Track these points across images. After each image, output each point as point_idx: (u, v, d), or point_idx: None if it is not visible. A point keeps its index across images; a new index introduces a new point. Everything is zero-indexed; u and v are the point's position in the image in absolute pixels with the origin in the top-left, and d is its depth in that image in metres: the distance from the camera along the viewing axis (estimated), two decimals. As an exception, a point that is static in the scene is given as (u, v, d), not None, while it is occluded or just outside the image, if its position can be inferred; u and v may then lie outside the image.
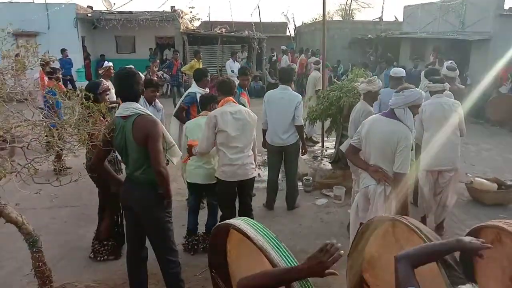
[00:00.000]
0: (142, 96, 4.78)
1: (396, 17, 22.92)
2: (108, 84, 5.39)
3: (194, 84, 5.53)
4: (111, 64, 7.01)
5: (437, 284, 1.79)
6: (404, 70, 6.09)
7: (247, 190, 4.30)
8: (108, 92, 4.29)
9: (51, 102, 3.42)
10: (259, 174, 6.96)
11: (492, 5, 12.20)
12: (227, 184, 4.11)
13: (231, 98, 4.11)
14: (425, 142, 4.71)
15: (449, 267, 1.80)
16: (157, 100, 5.24)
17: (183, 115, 5.35)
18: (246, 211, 4.32)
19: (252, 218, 4.18)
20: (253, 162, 4.18)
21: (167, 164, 3.20)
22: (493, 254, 2.26)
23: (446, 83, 4.87)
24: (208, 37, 17.42)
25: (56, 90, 3.58)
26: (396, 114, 3.52)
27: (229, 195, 4.24)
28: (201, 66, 12.44)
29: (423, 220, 4.96)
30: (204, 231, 4.56)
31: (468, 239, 1.69)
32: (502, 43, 11.55)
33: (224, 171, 4.07)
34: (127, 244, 3.44)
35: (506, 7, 12.79)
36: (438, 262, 1.81)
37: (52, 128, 3.00)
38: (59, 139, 2.93)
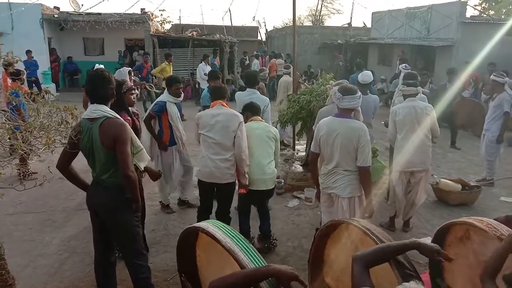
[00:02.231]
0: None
1: (364, 23, 23.46)
2: None
3: (166, 91, 5.33)
4: (102, 66, 6.71)
5: (390, 280, 1.85)
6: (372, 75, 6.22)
7: (221, 195, 4.26)
8: (132, 92, 4.20)
9: (14, 104, 3.32)
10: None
11: (455, 13, 12.68)
12: (201, 183, 4.22)
13: (220, 101, 4.16)
14: (398, 143, 4.82)
15: (400, 265, 1.86)
16: None
17: (150, 124, 5.16)
18: (219, 217, 4.26)
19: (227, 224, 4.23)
20: (231, 167, 4.09)
21: (136, 170, 3.14)
22: (461, 251, 2.35)
23: (420, 87, 5.02)
24: (179, 40, 17.28)
25: (20, 92, 3.48)
26: (353, 111, 3.80)
27: (204, 195, 4.32)
28: (171, 69, 12.36)
29: (392, 219, 5.09)
30: (260, 234, 4.58)
31: (426, 241, 1.76)
32: (464, 49, 12.05)
33: (199, 171, 4.20)
34: (94, 250, 3.35)
35: (468, 15, 13.35)
36: (392, 263, 1.86)
37: (16, 130, 2.91)
38: (23, 142, 2.84)
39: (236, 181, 4.25)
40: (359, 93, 3.73)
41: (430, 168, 4.99)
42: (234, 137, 4.02)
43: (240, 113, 4.37)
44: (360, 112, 4.16)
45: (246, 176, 4.16)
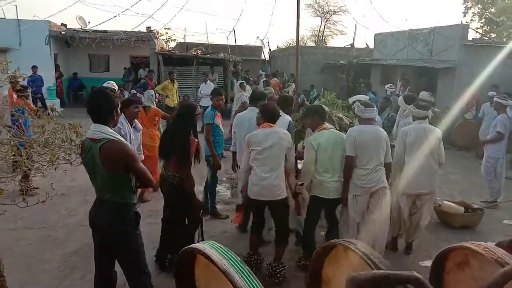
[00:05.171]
0: (122, 115, 4.75)
1: (367, 44, 23.66)
2: None
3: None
4: (112, 82, 6.57)
5: None
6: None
7: (275, 213, 4.34)
8: (199, 115, 4.43)
9: (20, 121, 3.34)
10: (232, 196, 6.94)
11: (457, 35, 12.81)
12: (252, 202, 4.26)
13: (270, 124, 4.24)
14: (407, 165, 4.80)
15: None
16: (136, 121, 5.17)
17: None
18: (279, 236, 4.36)
19: (285, 245, 4.33)
20: (281, 184, 4.15)
21: (137, 187, 3.12)
22: (461, 278, 2.33)
23: (430, 110, 5.07)
24: (184, 58, 17.48)
25: (25, 108, 3.52)
26: (375, 121, 4.58)
27: (256, 214, 4.42)
28: (176, 87, 12.46)
29: (394, 240, 5.05)
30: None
31: (424, 279, 1.68)
32: (466, 71, 12.11)
33: (250, 189, 4.19)
34: (95, 266, 3.33)
35: (470, 37, 13.48)
36: None
37: (20, 147, 2.93)
38: (27, 159, 2.86)
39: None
40: (375, 107, 4.59)
41: (436, 191, 4.98)
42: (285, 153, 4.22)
43: (303, 116, 4.84)
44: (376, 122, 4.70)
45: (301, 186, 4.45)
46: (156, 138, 6.66)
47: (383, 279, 1.67)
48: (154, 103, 7.25)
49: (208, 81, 13.67)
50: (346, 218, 4.65)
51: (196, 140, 4.12)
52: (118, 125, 4.54)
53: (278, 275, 4.23)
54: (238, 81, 14.11)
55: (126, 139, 4.50)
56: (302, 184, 4.44)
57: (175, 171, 4.10)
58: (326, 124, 4.57)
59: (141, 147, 5.36)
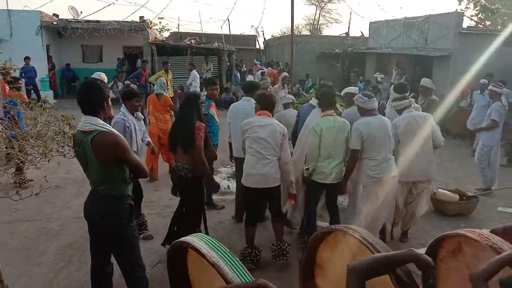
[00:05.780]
0: (123, 106, 4.73)
1: (362, 33, 23.58)
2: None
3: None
4: (102, 74, 6.51)
5: None
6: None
7: (270, 199, 4.44)
8: (203, 104, 4.49)
9: (12, 113, 3.30)
10: (228, 186, 6.94)
11: (452, 23, 12.78)
12: (249, 190, 4.34)
13: (267, 112, 4.30)
14: (401, 154, 4.80)
15: (399, 278, 1.84)
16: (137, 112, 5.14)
17: None
18: (276, 221, 4.46)
19: (281, 221, 4.45)
20: (277, 172, 4.23)
21: (131, 179, 3.09)
22: (454, 265, 2.33)
23: (411, 97, 5.06)
24: (178, 48, 17.34)
25: (18, 100, 3.47)
26: (376, 111, 4.55)
27: (252, 203, 4.49)
28: (170, 77, 12.40)
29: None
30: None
31: (421, 253, 1.68)
32: (461, 59, 12.10)
33: (246, 177, 4.27)
34: (91, 259, 3.32)
35: (464, 25, 13.45)
36: (392, 277, 1.83)
37: (12, 139, 2.90)
38: (19, 151, 2.83)
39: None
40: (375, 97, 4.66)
41: (433, 179, 5.00)
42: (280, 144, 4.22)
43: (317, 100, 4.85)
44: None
45: (293, 186, 4.44)
46: (169, 122, 7.12)
47: (383, 262, 1.67)
48: (166, 90, 7.53)
49: (194, 71, 14.22)
50: (351, 209, 4.73)
51: (204, 125, 4.15)
52: (122, 117, 4.59)
53: (285, 252, 4.32)
54: (259, 71, 14.21)
55: (131, 131, 4.59)
56: (308, 168, 4.48)
57: (183, 161, 4.10)
58: (331, 111, 4.56)
59: (146, 134, 5.44)
